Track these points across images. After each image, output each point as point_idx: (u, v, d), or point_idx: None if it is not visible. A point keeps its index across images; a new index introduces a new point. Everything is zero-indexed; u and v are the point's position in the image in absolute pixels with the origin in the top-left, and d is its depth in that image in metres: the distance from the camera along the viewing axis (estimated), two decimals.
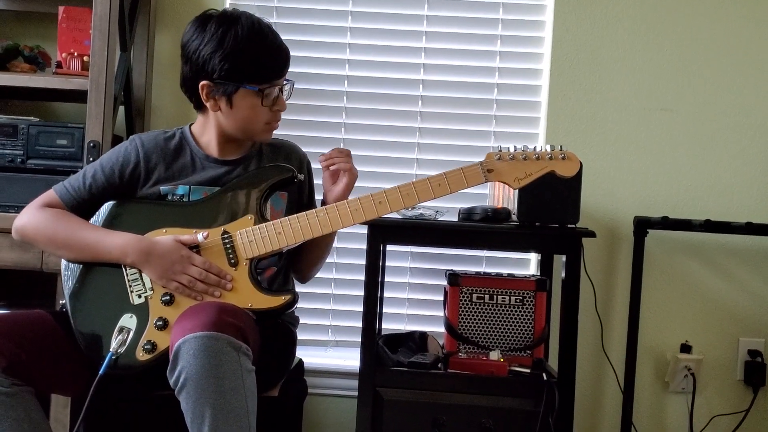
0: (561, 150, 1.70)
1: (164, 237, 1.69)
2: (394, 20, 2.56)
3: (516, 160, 1.70)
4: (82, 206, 1.77)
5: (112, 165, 1.79)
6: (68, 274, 1.72)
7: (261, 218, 1.72)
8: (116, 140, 2.25)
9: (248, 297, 1.66)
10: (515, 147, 1.72)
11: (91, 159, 2.07)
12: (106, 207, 1.76)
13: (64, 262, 1.74)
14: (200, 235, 1.69)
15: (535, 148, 1.71)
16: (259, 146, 1.89)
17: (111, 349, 1.60)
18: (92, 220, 1.76)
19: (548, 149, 1.70)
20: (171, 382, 1.48)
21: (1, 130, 2.17)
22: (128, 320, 1.64)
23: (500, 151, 1.71)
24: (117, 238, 1.68)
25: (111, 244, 1.68)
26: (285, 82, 1.81)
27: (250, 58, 1.71)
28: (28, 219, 1.75)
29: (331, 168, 1.84)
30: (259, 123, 1.78)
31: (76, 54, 2.21)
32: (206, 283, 1.65)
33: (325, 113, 2.56)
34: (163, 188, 1.79)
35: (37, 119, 2.22)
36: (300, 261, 1.97)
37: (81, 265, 1.71)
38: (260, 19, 1.76)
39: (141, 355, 1.60)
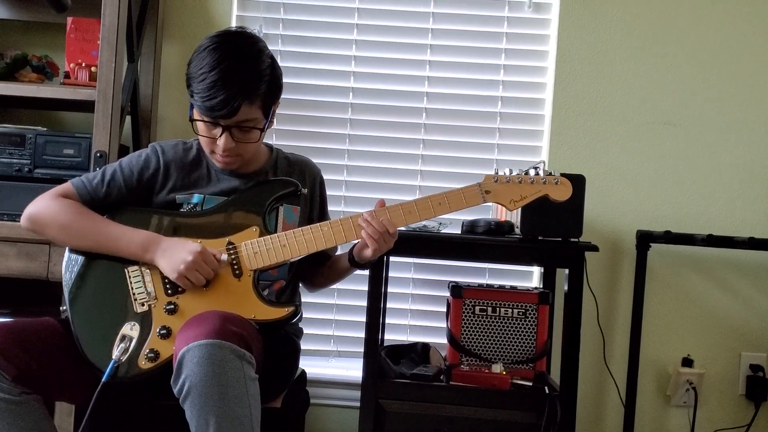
0: (554, 175, 1.77)
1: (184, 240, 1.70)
2: (399, 33, 2.58)
3: (512, 183, 1.77)
4: (95, 203, 1.77)
5: (131, 167, 1.81)
6: (69, 279, 1.72)
7: (266, 230, 1.74)
8: (122, 150, 2.27)
9: (252, 308, 1.67)
10: (510, 170, 1.79)
11: (97, 169, 2.07)
12: (114, 213, 1.77)
13: (65, 266, 1.73)
14: (224, 256, 1.70)
15: (529, 172, 1.78)
16: (274, 161, 1.90)
17: (113, 357, 1.60)
18: None
19: (542, 174, 1.77)
20: (175, 390, 1.49)
21: (8, 139, 2.18)
22: (131, 328, 1.65)
23: (497, 174, 1.78)
24: (141, 234, 1.70)
25: (134, 238, 1.69)
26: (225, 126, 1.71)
27: (192, 85, 1.70)
28: (44, 205, 1.74)
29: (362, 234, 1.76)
30: (206, 148, 1.78)
31: (83, 64, 2.23)
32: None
33: (330, 125, 2.58)
34: (178, 197, 1.81)
35: (45, 129, 2.23)
36: (314, 275, 2.00)
37: (83, 272, 1.71)
38: (226, 57, 1.67)
39: (143, 364, 1.61)
